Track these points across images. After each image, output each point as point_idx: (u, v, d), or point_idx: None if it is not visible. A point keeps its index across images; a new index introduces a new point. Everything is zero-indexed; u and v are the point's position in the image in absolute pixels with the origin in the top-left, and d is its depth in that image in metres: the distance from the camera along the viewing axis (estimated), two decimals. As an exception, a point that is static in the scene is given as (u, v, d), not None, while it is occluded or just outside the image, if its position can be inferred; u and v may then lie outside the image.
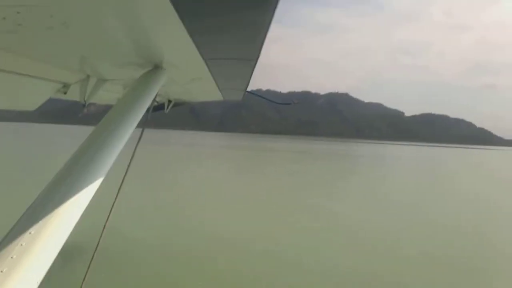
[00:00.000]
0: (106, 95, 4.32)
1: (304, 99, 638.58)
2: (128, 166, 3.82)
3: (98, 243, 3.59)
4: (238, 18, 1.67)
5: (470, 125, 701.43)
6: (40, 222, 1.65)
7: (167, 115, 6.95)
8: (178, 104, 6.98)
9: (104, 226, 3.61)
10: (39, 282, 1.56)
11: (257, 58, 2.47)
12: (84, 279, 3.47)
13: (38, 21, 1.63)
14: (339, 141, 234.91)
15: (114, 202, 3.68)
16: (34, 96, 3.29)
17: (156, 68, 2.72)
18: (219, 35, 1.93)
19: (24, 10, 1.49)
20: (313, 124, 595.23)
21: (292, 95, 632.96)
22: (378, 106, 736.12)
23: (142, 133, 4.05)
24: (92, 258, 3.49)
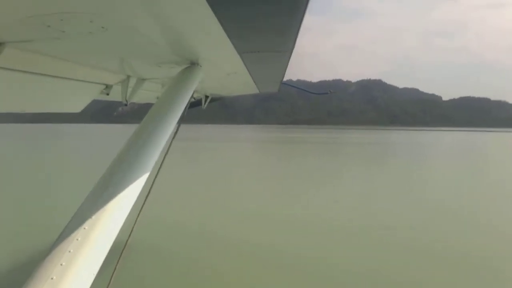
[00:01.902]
0: (146, 94, 4.44)
1: (336, 87, 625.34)
2: (162, 161, 3.84)
3: (128, 237, 3.65)
4: (272, 9, 1.66)
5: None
6: (93, 217, 1.73)
7: (201, 111, 6.98)
8: (215, 99, 7.03)
9: (135, 221, 3.63)
10: (95, 274, 1.62)
11: (292, 49, 2.44)
12: (113, 273, 3.49)
13: (79, 27, 1.69)
14: (372, 129, 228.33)
15: (146, 197, 3.68)
16: (79, 98, 3.44)
17: (193, 65, 2.77)
18: (253, 28, 1.92)
19: (67, 17, 1.55)
20: (345, 112, 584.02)
21: (323, 84, 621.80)
22: (414, 91, 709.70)
23: (177, 129, 4.08)
24: (122, 252, 3.53)
